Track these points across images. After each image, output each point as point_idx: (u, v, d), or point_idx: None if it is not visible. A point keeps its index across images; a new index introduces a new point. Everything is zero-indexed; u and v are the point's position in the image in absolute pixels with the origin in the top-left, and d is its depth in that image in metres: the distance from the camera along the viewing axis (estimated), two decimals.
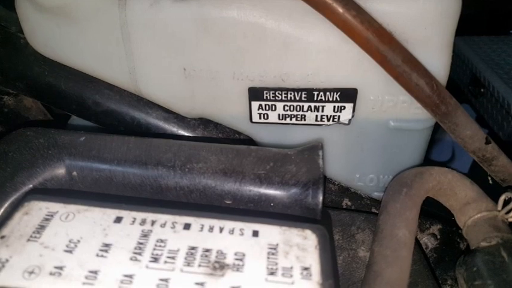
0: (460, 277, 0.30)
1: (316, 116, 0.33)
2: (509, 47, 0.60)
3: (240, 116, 0.34)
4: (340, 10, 0.25)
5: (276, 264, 0.20)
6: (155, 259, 0.20)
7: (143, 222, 0.22)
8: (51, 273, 0.19)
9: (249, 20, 0.29)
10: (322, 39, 0.29)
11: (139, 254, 0.20)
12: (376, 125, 0.33)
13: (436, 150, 0.66)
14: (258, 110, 0.34)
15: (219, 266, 0.20)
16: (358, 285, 0.31)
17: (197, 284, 0.19)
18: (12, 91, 0.41)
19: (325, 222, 0.25)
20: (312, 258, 0.21)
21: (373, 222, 0.33)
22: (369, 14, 0.26)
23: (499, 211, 0.31)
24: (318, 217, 0.26)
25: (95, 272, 0.19)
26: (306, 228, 0.23)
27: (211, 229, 0.22)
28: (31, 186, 0.26)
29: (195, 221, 0.22)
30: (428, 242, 0.37)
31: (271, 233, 0.22)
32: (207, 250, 0.21)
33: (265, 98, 0.33)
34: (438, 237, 0.37)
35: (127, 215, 0.23)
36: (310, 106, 0.33)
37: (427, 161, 0.37)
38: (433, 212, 0.37)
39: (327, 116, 0.33)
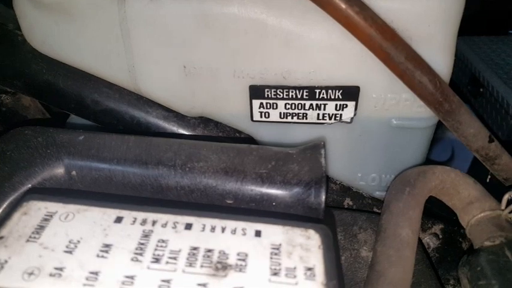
0: (463, 277, 0.30)
1: (318, 114, 0.33)
2: (509, 47, 0.59)
3: (240, 114, 0.34)
4: (343, 6, 0.25)
5: (279, 264, 0.20)
6: (156, 260, 0.20)
7: (144, 222, 0.22)
8: (51, 274, 0.19)
9: (250, 17, 0.29)
10: (325, 36, 0.29)
11: (141, 254, 0.20)
12: (379, 124, 0.33)
13: (436, 150, 0.65)
14: (259, 108, 0.33)
15: (221, 267, 0.20)
16: (360, 286, 0.30)
17: (199, 285, 0.19)
18: (10, 89, 0.41)
19: (328, 221, 0.24)
20: (316, 259, 0.20)
21: (375, 221, 0.33)
22: (372, 11, 0.26)
23: (503, 210, 0.30)
24: (321, 216, 0.25)
25: (96, 273, 0.19)
26: (309, 228, 0.22)
27: (213, 229, 0.22)
28: (30, 186, 0.25)
29: (197, 221, 0.22)
30: (430, 241, 0.37)
31: (274, 233, 0.22)
32: (209, 250, 0.20)
33: (266, 96, 0.32)
34: (440, 236, 0.37)
35: (127, 215, 0.22)
36: (311, 104, 0.32)
37: (427, 160, 0.36)
38: (434, 211, 0.37)
39: (328, 114, 0.33)
